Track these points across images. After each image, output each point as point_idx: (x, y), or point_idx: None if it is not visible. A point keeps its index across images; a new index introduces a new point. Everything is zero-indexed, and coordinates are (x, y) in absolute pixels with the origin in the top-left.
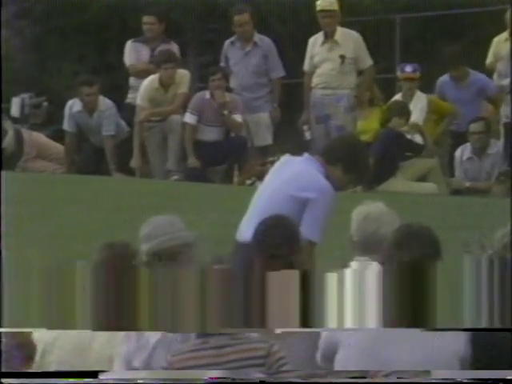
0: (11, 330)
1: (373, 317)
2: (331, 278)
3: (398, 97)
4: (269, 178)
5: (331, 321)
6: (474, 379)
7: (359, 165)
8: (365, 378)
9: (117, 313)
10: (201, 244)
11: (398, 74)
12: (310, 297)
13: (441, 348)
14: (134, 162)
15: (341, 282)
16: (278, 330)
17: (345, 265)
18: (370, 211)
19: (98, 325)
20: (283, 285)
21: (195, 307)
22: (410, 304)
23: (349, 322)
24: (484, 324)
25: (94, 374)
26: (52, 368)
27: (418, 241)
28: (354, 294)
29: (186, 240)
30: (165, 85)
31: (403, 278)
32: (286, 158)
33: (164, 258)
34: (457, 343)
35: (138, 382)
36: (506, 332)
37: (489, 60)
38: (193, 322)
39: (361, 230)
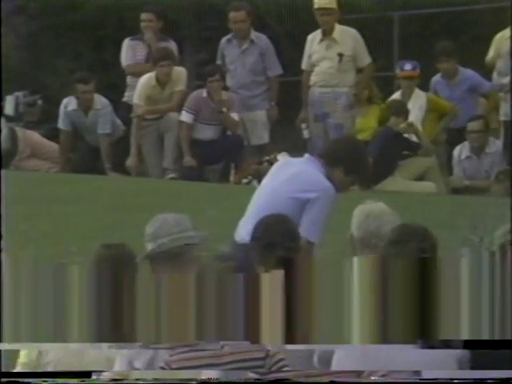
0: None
1: (372, 317)
2: (330, 278)
3: (396, 95)
4: (268, 179)
5: (331, 321)
6: (474, 379)
7: (360, 166)
8: (362, 378)
9: (115, 314)
10: (206, 244)
11: (397, 71)
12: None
13: (438, 348)
14: (131, 161)
15: (340, 282)
16: (269, 347)
17: (344, 264)
18: (372, 210)
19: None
20: (281, 284)
21: (194, 307)
22: (408, 305)
23: (348, 322)
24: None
25: (92, 375)
26: (49, 369)
27: (415, 240)
28: (353, 294)
29: (192, 240)
30: (162, 82)
31: (400, 277)
32: (285, 160)
33: (168, 257)
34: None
35: (136, 381)
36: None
37: (489, 57)
38: (192, 322)
39: (362, 228)
